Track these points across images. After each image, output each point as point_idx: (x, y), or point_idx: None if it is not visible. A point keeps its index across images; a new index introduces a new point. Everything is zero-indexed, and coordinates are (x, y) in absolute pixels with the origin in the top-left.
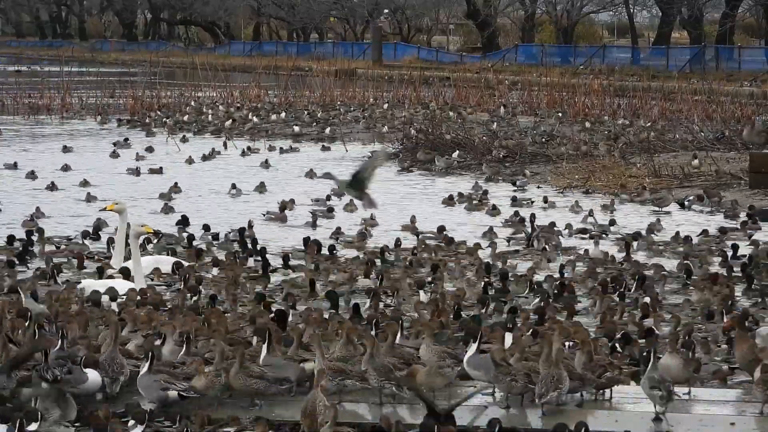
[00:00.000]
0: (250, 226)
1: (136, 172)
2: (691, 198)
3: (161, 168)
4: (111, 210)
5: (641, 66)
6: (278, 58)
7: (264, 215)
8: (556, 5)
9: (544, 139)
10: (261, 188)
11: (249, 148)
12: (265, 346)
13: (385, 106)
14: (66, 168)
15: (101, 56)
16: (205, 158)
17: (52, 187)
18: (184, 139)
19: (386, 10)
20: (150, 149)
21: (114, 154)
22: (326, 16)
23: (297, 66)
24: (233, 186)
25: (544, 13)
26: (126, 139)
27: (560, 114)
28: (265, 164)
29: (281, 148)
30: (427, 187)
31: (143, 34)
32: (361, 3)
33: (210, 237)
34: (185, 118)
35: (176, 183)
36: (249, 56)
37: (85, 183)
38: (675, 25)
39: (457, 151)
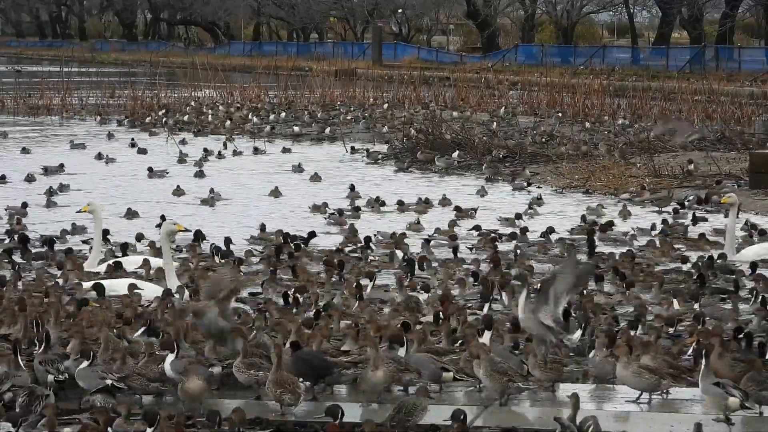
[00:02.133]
0: (263, 229)
1: (157, 173)
2: (691, 198)
3: (202, 171)
4: (85, 211)
5: (641, 66)
6: (278, 58)
7: (326, 219)
8: (556, 5)
9: (544, 139)
10: (276, 193)
11: (206, 149)
12: (171, 355)
13: (385, 106)
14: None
15: (101, 56)
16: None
17: (50, 192)
18: (183, 142)
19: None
20: (144, 151)
21: (99, 156)
22: (326, 16)
23: (297, 66)
24: (211, 191)
25: (544, 13)
26: (134, 141)
27: (560, 114)
28: (299, 168)
29: (255, 148)
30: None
31: (143, 34)
32: (361, 3)
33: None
34: (185, 118)
35: (178, 186)
36: (249, 56)
37: (59, 188)
38: (675, 25)
39: (457, 151)
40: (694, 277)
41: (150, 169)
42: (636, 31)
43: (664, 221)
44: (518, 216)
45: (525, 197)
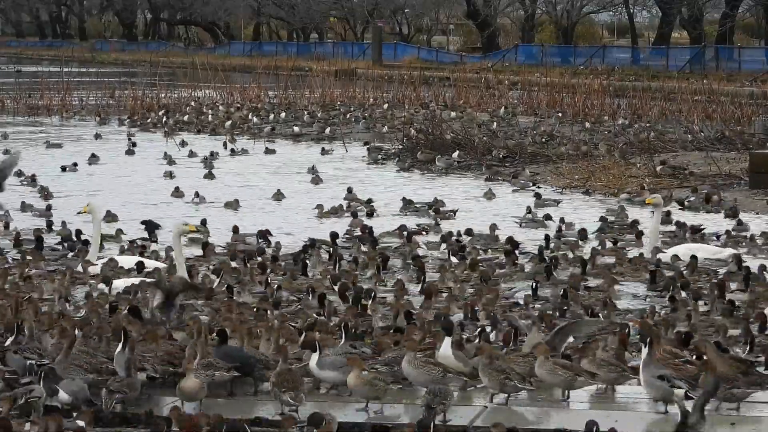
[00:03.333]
0: (235, 231)
1: (170, 175)
2: (691, 199)
3: (212, 172)
4: (85, 212)
5: (641, 66)
6: (278, 58)
7: (351, 224)
8: (556, 5)
9: (544, 139)
10: (278, 196)
11: (192, 151)
12: (120, 345)
13: (385, 106)
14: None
15: (101, 56)
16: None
17: (46, 194)
18: (183, 144)
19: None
20: (131, 152)
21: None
22: (326, 16)
23: (297, 66)
24: (196, 194)
25: (544, 13)
26: (134, 144)
27: (560, 114)
28: (312, 170)
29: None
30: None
31: (143, 34)
32: (361, 3)
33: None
34: (185, 118)
35: (177, 187)
36: (249, 56)
37: (40, 189)
38: (675, 25)
39: (457, 151)
40: (647, 275)
41: (168, 174)
42: (636, 31)
43: (602, 218)
44: (548, 216)
45: (527, 198)
